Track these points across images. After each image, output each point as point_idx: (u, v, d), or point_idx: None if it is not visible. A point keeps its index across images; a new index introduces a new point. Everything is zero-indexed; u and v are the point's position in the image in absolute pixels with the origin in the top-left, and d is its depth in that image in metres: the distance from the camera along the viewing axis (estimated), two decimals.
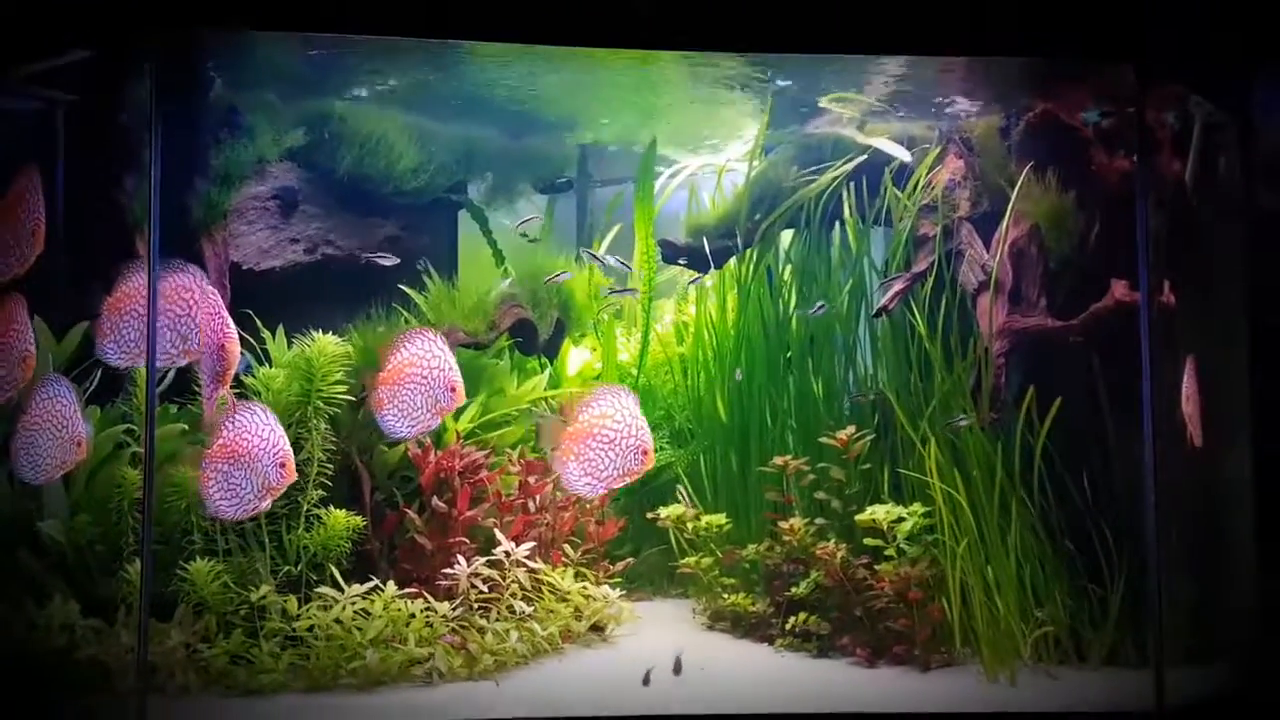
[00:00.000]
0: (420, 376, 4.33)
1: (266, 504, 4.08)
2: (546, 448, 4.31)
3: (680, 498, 5.36)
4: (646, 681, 4.31)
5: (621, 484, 4.25)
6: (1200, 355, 4.69)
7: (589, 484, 4.22)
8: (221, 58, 4.74)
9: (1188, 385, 4.54)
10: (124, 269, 4.12)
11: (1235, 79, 4.78)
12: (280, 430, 4.08)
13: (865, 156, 5.34)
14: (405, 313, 5.16)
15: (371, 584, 4.44)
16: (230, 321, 4.24)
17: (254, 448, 4.05)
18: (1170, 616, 4.28)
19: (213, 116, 4.88)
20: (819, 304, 5.38)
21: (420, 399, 4.32)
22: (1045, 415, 4.53)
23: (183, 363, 4.15)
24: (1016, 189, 4.83)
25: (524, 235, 5.82)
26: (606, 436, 4.20)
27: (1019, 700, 4.26)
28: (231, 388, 4.55)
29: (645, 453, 4.20)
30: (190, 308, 4.07)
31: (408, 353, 4.36)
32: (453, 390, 4.33)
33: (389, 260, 5.18)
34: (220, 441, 4.06)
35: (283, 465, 4.06)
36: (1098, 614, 4.53)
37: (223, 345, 4.15)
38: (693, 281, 5.78)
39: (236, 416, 4.07)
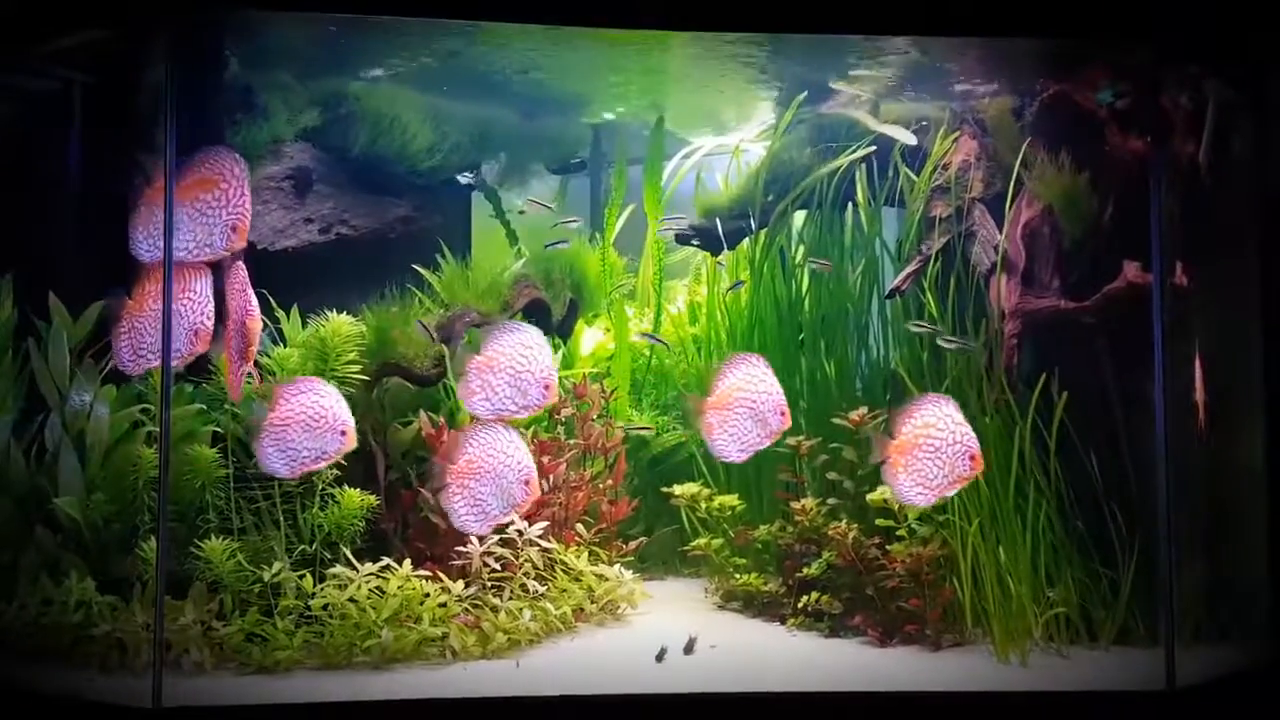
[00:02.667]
0: (750, 401, 4.41)
1: (509, 519, 4.23)
2: (875, 460, 4.35)
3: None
4: (660, 658, 4.34)
5: (953, 490, 4.28)
6: (1213, 337, 4.70)
7: (921, 494, 4.26)
8: (237, 37, 4.74)
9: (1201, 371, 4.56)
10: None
11: (1250, 59, 4.77)
12: (524, 448, 4.21)
13: (875, 147, 5.33)
14: (419, 293, 5.18)
15: (384, 562, 4.46)
16: (254, 298, 4.26)
17: (499, 464, 4.17)
18: (1182, 596, 4.29)
19: (228, 96, 4.88)
20: (823, 260, 5.41)
21: (750, 423, 4.41)
22: (1058, 396, 4.53)
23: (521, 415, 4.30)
24: (1029, 170, 4.82)
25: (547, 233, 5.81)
26: (933, 445, 4.23)
27: (1030, 680, 4.27)
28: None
29: (973, 457, 4.22)
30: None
31: (736, 378, 4.44)
32: (782, 414, 4.42)
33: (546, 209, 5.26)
34: (466, 458, 4.17)
35: (527, 482, 4.19)
36: (1109, 594, 4.54)
37: (244, 322, 4.17)
38: (719, 265, 5.79)
39: (481, 433, 4.19)
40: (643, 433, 5.53)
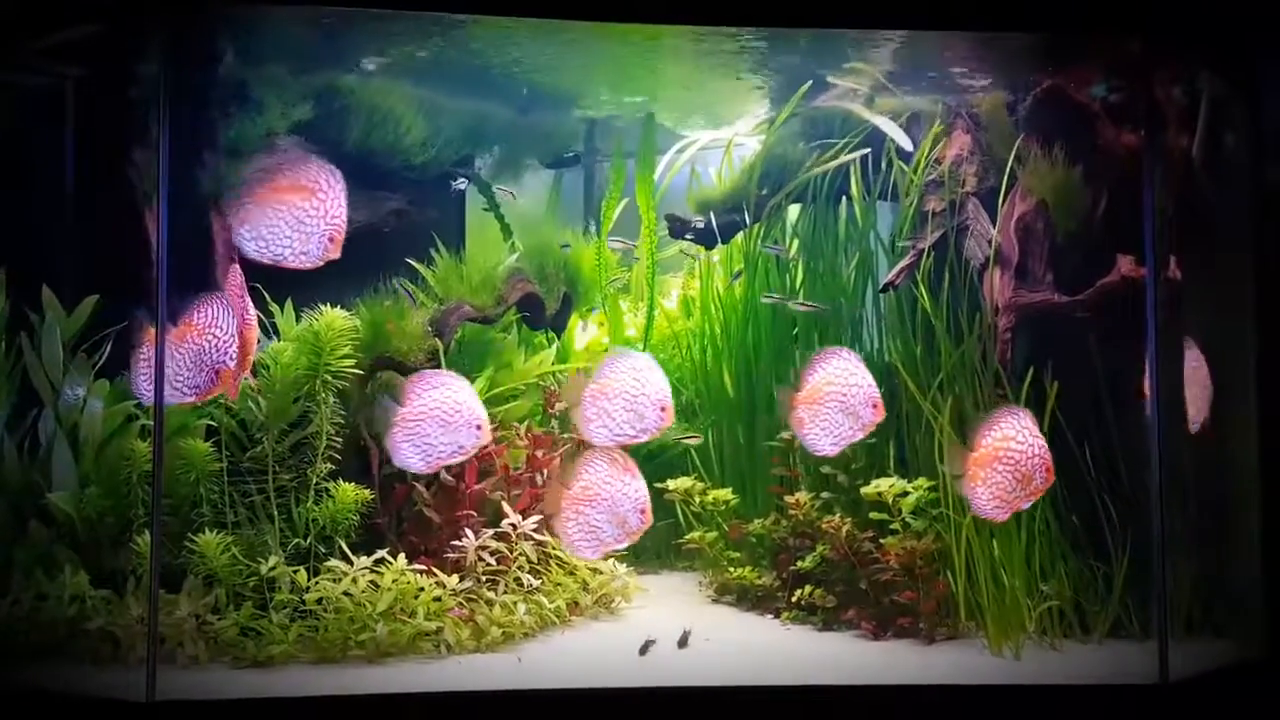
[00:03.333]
0: (840, 395, 4.42)
1: (624, 545, 4.24)
2: (953, 474, 4.32)
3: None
4: (644, 651, 4.35)
5: (1028, 503, 4.27)
6: (1206, 331, 4.71)
7: (998, 508, 4.24)
8: (230, 30, 4.73)
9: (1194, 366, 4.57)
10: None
11: (1242, 52, 4.78)
12: (640, 478, 4.23)
13: (868, 149, 5.34)
14: (412, 286, 5.17)
15: (377, 555, 4.45)
16: (251, 306, 4.26)
17: (615, 493, 4.21)
18: (1174, 589, 4.31)
19: (222, 90, 4.87)
20: (776, 245, 5.46)
21: (841, 416, 4.42)
22: (1051, 389, 4.54)
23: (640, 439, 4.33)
24: (1022, 164, 4.82)
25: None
26: (1012, 459, 4.21)
27: (1023, 673, 4.29)
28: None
29: (1048, 469, 4.22)
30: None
31: (826, 372, 4.45)
32: (875, 406, 4.43)
33: None
34: (582, 484, 4.20)
35: (643, 511, 4.21)
36: (1102, 587, 4.55)
37: (242, 332, 4.17)
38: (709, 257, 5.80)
39: (598, 461, 4.23)
40: (690, 441, 5.52)
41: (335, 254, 4.13)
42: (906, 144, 5.22)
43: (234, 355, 4.10)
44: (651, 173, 5.86)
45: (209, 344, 4.08)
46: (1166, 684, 4.10)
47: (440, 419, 4.24)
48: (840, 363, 4.48)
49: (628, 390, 4.30)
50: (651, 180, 5.86)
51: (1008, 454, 4.21)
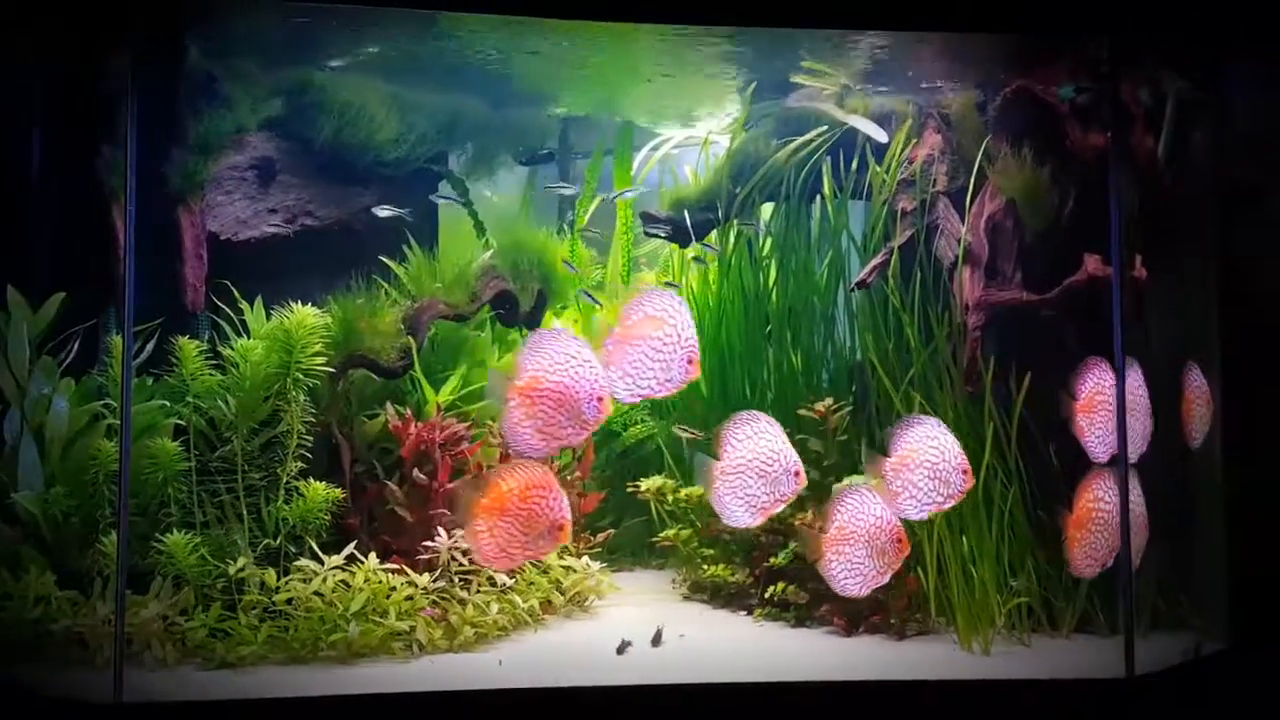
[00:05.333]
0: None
1: (887, 578, 4.25)
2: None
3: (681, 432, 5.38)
4: (621, 652, 4.35)
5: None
6: (1171, 330, 4.78)
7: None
8: (201, 25, 4.68)
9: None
10: None
11: (1208, 55, 4.84)
12: (887, 510, 4.22)
13: (833, 136, 5.36)
14: (385, 284, 5.14)
15: (346, 551, 4.42)
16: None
17: (870, 527, 4.20)
18: (1140, 585, 4.36)
19: (191, 85, 4.82)
20: (713, 246, 5.49)
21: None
22: (1019, 387, 4.58)
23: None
24: (992, 164, 4.86)
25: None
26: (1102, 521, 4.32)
27: (992, 668, 4.32)
28: (208, 359, 4.54)
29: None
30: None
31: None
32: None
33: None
34: (837, 525, 4.21)
35: (899, 540, 4.21)
36: (1069, 583, 4.60)
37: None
38: (698, 259, 5.82)
39: (847, 499, 4.22)
40: (693, 436, 5.50)
41: (696, 374, 4.22)
42: (881, 137, 5.25)
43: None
44: (629, 170, 5.87)
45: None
46: (1133, 678, 4.14)
47: (759, 470, 4.23)
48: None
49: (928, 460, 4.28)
50: (629, 178, 5.86)
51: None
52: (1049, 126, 4.78)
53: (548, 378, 4.01)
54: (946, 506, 4.34)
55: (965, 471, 4.30)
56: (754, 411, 4.32)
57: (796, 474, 4.24)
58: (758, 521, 4.30)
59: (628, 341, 4.18)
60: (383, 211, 5.25)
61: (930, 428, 4.32)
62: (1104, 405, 4.40)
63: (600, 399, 4.04)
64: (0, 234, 4.60)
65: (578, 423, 4.04)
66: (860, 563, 4.22)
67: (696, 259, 5.69)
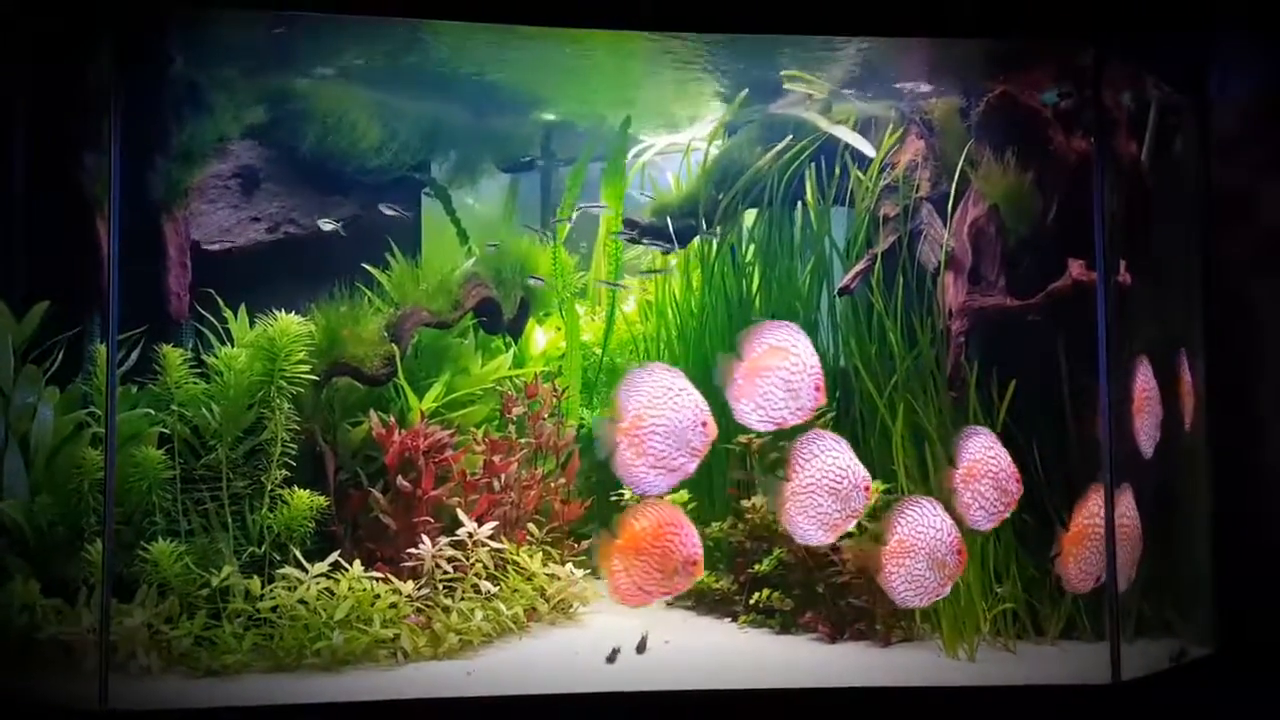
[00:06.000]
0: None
1: (947, 590, 4.24)
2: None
3: None
4: (612, 659, 4.35)
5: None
6: (1156, 335, 4.78)
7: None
8: (183, 32, 4.68)
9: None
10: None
11: (1191, 59, 4.86)
12: (948, 519, 4.21)
13: (816, 141, 5.37)
14: (368, 292, 5.14)
15: (330, 558, 4.42)
16: None
17: (929, 539, 4.20)
18: (1126, 590, 4.37)
19: (174, 92, 4.82)
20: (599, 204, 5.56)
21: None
22: (1003, 393, 4.59)
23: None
24: (975, 169, 4.87)
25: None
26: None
27: (978, 674, 4.32)
28: (192, 367, 4.54)
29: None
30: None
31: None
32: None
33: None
34: (897, 538, 4.20)
35: (959, 552, 4.20)
36: (1054, 589, 4.60)
37: None
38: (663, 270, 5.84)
39: (906, 511, 4.22)
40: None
41: (823, 400, 4.27)
42: (868, 150, 5.26)
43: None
44: (621, 177, 5.88)
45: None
46: (1119, 683, 4.15)
47: (829, 488, 4.21)
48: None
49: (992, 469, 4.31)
50: (621, 185, 5.87)
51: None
52: (1032, 131, 4.79)
53: (649, 414, 4.09)
54: (1006, 515, 4.36)
55: (1018, 479, 4.33)
56: (819, 429, 4.32)
57: (866, 488, 4.24)
58: (831, 539, 4.30)
59: (756, 374, 4.26)
60: (387, 210, 5.26)
61: (986, 438, 4.35)
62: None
63: (704, 424, 4.14)
64: None
65: (688, 451, 4.15)
66: (921, 575, 4.22)
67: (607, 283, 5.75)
